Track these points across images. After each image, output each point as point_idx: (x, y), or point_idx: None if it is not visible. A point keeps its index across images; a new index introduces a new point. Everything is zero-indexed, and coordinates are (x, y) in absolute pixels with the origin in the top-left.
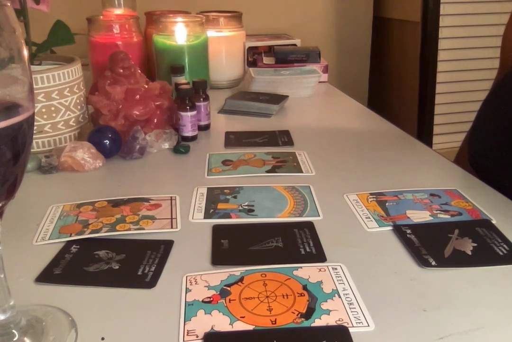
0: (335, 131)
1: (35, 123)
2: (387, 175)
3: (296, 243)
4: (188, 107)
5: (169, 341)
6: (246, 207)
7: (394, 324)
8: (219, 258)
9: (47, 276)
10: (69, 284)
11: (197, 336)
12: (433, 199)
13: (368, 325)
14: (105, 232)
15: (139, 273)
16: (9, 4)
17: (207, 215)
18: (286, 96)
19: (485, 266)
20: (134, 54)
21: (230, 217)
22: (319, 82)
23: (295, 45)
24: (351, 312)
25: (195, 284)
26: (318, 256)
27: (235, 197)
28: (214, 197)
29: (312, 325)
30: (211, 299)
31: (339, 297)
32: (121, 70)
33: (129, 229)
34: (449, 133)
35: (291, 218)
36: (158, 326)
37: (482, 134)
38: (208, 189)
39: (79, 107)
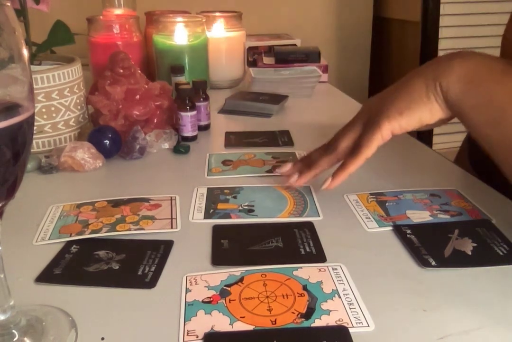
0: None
1: (35, 123)
2: (387, 175)
3: (296, 243)
4: (188, 107)
5: (169, 341)
6: (246, 207)
7: (394, 324)
8: (219, 258)
9: (47, 276)
10: (69, 284)
11: (197, 336)
12: (433, 199)
13: (368, 325)
14: (105, 232)
15: (139, 273)
16: (9, 4)
17: (207, 215)
18: (286, 96)
19: (485, 266)
20: (134, 54)
21: (230, 217)
22: (319, 82)
23: (295, 45)
24: (351, 312)
25: (195, 284)
26: (318, 256)
27: (235, 197)
28: (214, 197)
29: (312, 325)
30: (211, 299)
31: (339, 297)
32: (121, 70)
33: (129, 229)
34: (449, 133)
35: (291, 218)
36: (158, 326)
37: None
38: (208, 189)
39: (79, 107)
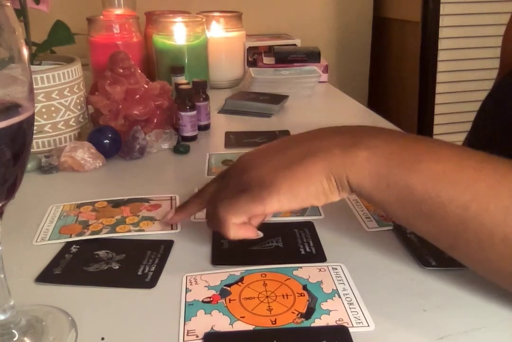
0: None
1: (35, 123)
2: None
3: (296, 243)
4: (188, 107)
5: (169, 341)
6: None
7: (394, 324)
8: (219, 258)
9: (47, 276)
10: (69, 284)
11: (197, 336)
12: None
13: (368, 325)
14: (105, 233)
15: (139, 273)
16: (9, 4)
17: None
18: (286, 96)
19: None
20: (134, 54)
21: None
22: (319, 82)
23: (295, 45)
24: (351, 312)
25: (195, 284)
26: (318, 256)
27: None
28: None
29: (312, 325)
30: (211, 299)
31: (339, 297)
32: (121, 70)
33: (129, 231)
34: (449, 133)
35: (293, 217)
36: (158, 326)
37: (482, 134)
38: None
39: (79, 107)
